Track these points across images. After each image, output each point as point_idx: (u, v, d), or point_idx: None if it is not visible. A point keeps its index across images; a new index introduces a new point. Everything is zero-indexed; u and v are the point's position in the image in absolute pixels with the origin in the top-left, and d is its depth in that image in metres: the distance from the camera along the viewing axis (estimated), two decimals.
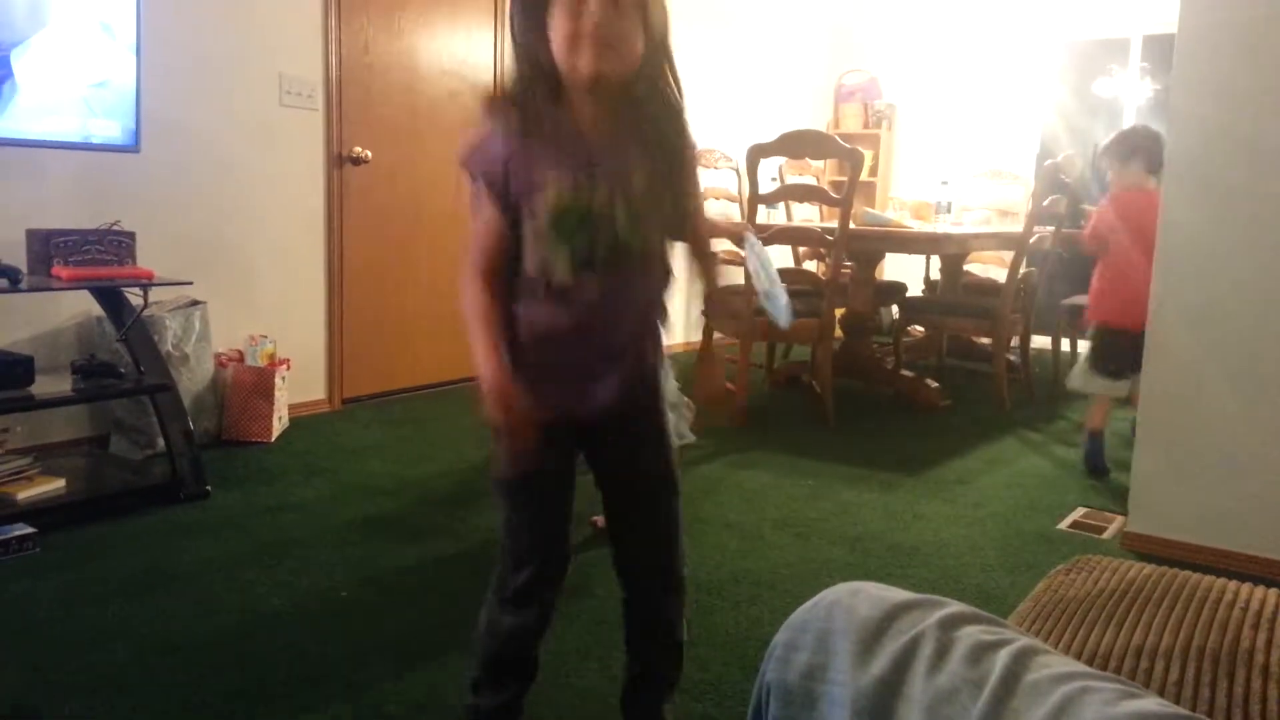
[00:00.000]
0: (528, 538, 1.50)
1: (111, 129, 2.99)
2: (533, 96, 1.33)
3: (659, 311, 1.49)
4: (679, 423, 2.69)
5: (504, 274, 1.37)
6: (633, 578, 1.58)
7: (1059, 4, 6.34)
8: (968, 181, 6.02)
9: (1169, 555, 2.73)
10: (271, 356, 3.64)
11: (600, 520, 1.58)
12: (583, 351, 1.41)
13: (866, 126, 6.95)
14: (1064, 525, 3.01)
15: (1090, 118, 6.62)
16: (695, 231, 1.50)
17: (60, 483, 2.77)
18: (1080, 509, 3.17)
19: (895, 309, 5.35)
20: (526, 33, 1.33)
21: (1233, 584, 1.32)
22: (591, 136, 1.35)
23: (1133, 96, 6.33)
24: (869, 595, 0.93)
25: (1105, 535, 2.94)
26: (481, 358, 1.34)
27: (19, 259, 2.89)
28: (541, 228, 1.33)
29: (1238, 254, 2.67)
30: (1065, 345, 5.42)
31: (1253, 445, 2.68)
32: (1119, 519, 3.02)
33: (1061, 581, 1.39)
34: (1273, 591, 1.30)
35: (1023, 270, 4.60)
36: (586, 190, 1.32)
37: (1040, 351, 5.40)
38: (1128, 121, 6.29)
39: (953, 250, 4.65)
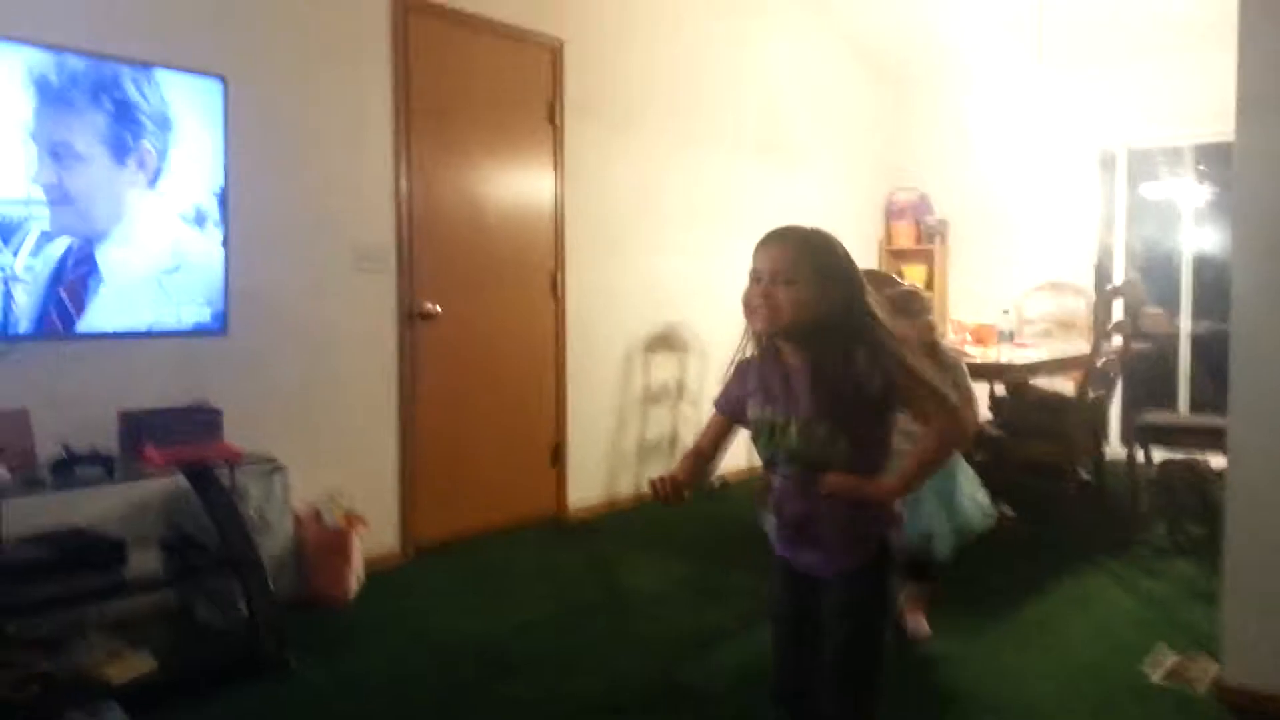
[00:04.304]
0: (773, 666, 1.98)
1: (200, 313, 3.14)
2: (756, 344, 1.87)
3: (864, 527, 1.84)
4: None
5: (710, 443, 1.96)
6: None
7: (1103, 114, 6.39)
8: (1027, 295, 6.02)
9: (1271, 712, 2.64)
10: (348, 515, 3.70)
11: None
12: (791, 524, 1.87)
13: (919, 242, 7.00)
14: (1157, 678, 2.92)
15: (1143, 223, 6.61)
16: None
17: (150, 662, 2.81)
18: (1171, 654, 3.06)
19: None
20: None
21: None
22: (778, 372, 1.83)
23: (1189, 201, 6.30)
24: None
25: (1198, 687, 2.84)
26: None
27: (111, 437, 3.02)
28: (752, 437, 1.88)
29: None
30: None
31: None
32: (1213, 666, 2.91)
33: None
34: None
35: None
36: (769, 413, 1.83)
37: (1114, 464, 5.27)
38: (1184, 226, 6.26)
39: (1016, 377, 4.63)
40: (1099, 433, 4.72)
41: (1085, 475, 4.91)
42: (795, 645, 1.92)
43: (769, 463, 1.86)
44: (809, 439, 1.77)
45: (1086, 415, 4.62)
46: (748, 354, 1.90)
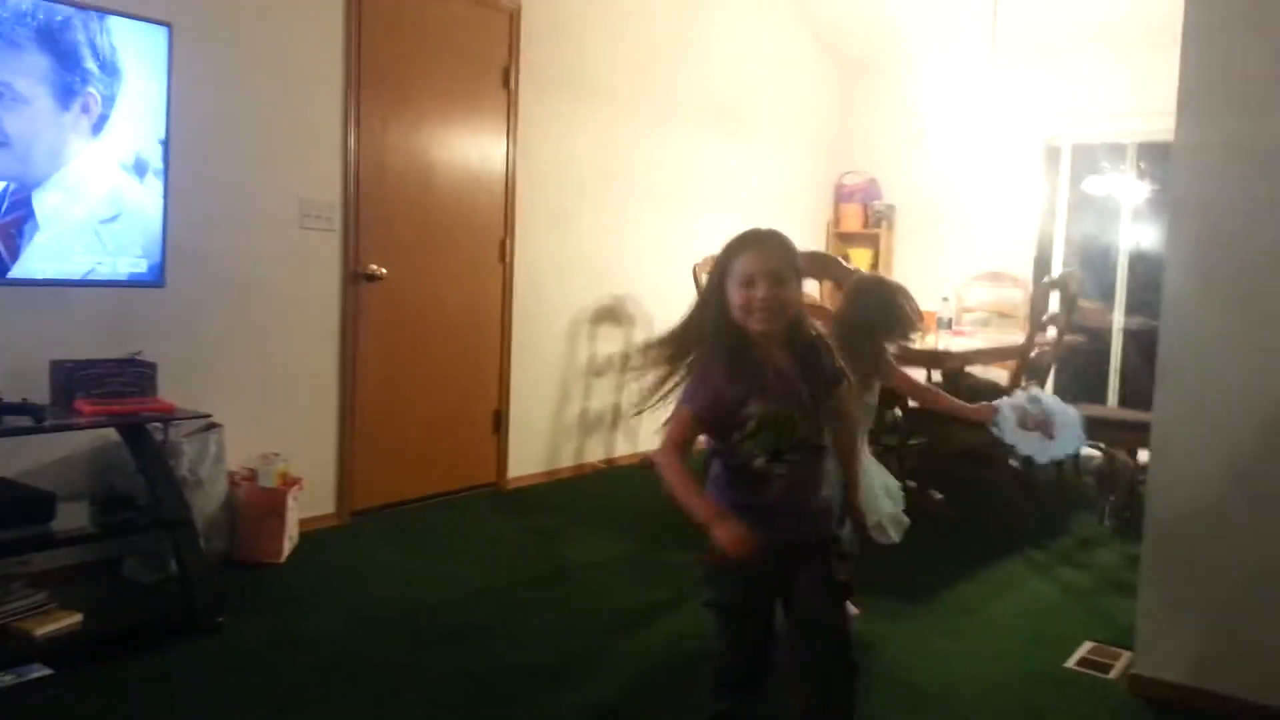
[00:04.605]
0: (726, 659, 1.99)
1: (137, 265, 3.07)
2: (724, 343, 1.87)
3: (825, 486, 2.00)
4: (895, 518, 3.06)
5: (688, 450, 1.90)
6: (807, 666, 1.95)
7: (1051, 108, 6.49)
8: (968, 283, 6.12)
9: (1178, 701, 2.73)
10: (284, 476, 3.67)
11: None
12: (776, 506, 1.90)
13: (866, 226, 7.07)
14: (1072, 664, 3.02)
15: (1083, 218, 6.74)
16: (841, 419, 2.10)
17: (77, 617, 2.78)
18: (1087, 643, 3.16)
19: (898, 410, 5.38)
20: (714, 296, 1.89)
21: None
22: (770, 368, 1.88)
23: (1128, 197, 6.43)
24: None
25: (1112, 675, 2.94)
26: (710, 516, 1.79)
27: (42, 389, 2.95)
28: (746, 435, 1.86)
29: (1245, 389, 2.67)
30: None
31: (1272, 583, 2.61)
32: (1125, 655, 3.01)
33: None
34: None
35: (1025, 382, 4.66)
36: (775, 408, 1.86)
37: None
38: (1123, 222, 6.40)
39: (953, 365, 4.72)
40: None
41: (1014, 463, 5.02)
42: (761, 630, 1.96)
43: (774, 454, 1.87)
44: (811, 425, 1.91)
45: None
46: (695, 355, 1.91)
